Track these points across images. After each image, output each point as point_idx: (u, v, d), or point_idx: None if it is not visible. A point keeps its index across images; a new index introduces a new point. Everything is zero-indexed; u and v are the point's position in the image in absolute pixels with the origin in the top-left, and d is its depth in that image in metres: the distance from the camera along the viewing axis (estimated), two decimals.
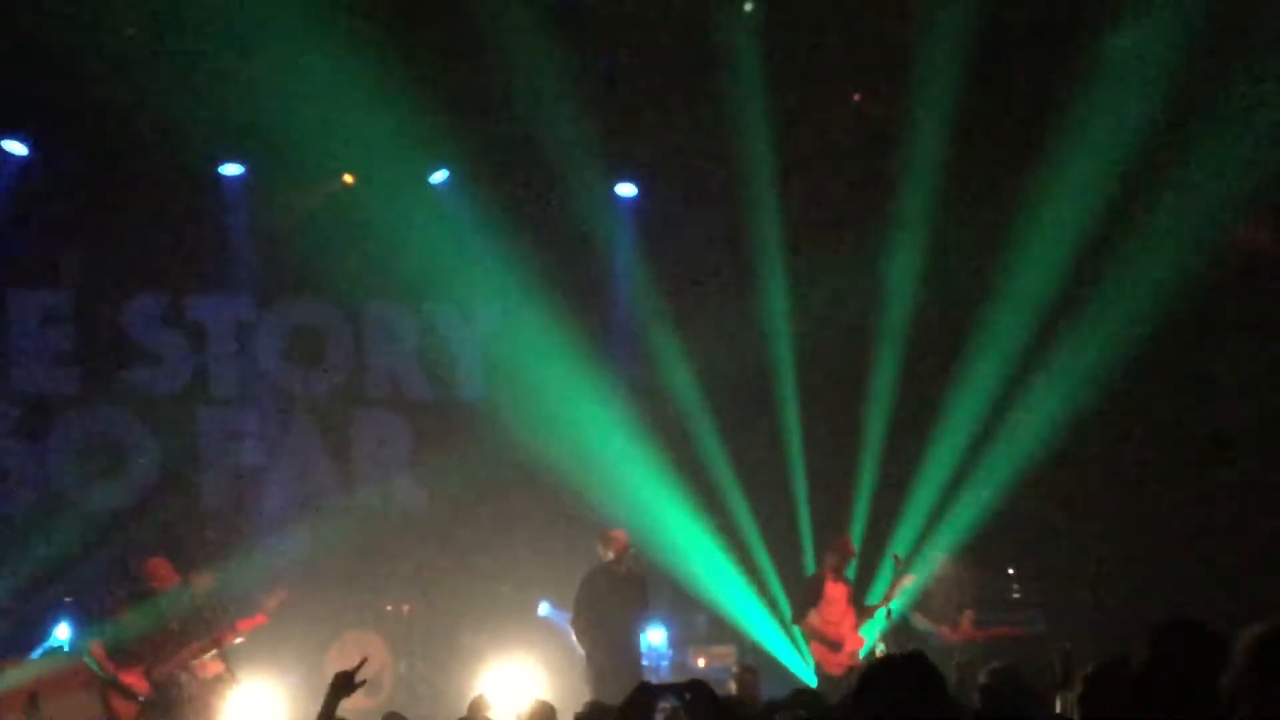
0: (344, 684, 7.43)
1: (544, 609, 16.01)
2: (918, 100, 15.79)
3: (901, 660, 4.79)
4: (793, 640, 15.96)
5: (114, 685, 12.32)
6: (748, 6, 15.29)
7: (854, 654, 14.03)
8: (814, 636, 14.24)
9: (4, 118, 15.00)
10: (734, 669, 13.50)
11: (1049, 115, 15.51)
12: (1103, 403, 16.03)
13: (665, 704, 6.24)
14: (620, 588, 13.72)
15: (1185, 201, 15.47)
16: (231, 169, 16.03)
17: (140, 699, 12.16)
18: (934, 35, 15.07)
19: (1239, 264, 15.91)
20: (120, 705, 12.29)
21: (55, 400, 15.71)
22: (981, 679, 7.42)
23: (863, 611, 14.37)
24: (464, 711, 9.81)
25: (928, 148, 15.91)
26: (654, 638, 15.69)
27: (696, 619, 16.47)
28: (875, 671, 4.84)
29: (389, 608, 15.96)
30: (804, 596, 14.47)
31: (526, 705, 9.52)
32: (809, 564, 16.06)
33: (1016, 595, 16.18)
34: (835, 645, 14.08)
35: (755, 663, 14.63)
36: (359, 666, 7.46)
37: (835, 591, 14.35)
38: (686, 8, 15.14)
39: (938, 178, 16.01)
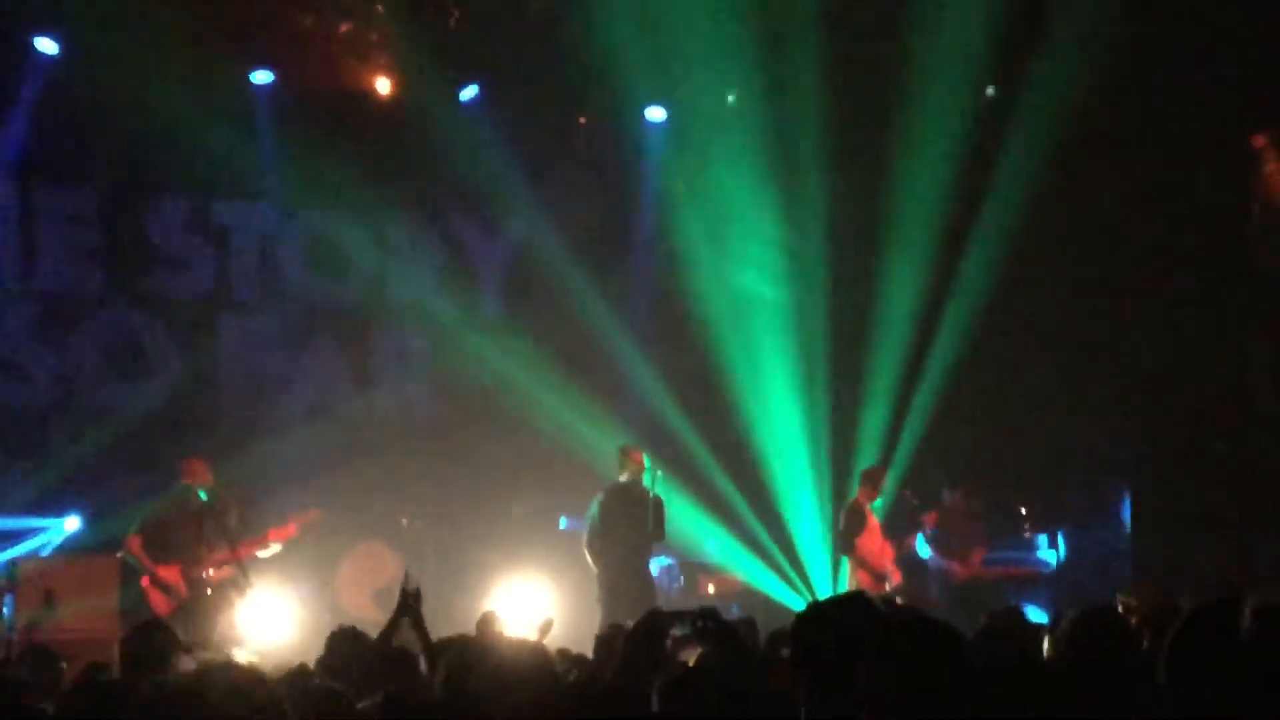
0: (411, 603, 7.41)
1: (563, 522, 16.07)
2: None
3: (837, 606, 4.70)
4: (799, 570, 16.09)
5: (154, 580, 12.42)
6: None
7: (896, 587, 14.01)
8: (862, 567, 14.17)
9: (36, 15, 14.94)
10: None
11: None
12: None
13: (677, 631, 6.27)
14: (636, 508, 13.65)
15: None
16: (261, 76, 15.97)
17: (177, 596, 12.26)
18: None
19: None
20: (158, 599, 12.39)
21: (78, 300, 15.76)
22: (982, 621, 7.37)
23: (900, 545, 14.40)
24: (473, 627, 9.84)
25: None
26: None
27: (706, 544, 16.46)
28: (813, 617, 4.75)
29: (403, 520, 16.04)
30: (849, 526, 14.37)
31: (536, 623, 9.61)
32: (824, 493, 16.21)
33: (1027, 534, 16.20)
34: (880, 577, 14.04)
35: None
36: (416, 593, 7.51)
37: (874, 522, 14.33)
38: None
39: None
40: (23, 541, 14.24)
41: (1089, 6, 15.16)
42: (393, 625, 7.47)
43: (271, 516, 13.37)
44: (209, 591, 12.47)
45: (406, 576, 7.64)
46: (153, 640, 7.32)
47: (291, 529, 13.14)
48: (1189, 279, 16.28)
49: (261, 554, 12.98)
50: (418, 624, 7.50)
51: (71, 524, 14.62)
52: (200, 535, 12.60)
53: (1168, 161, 15.84)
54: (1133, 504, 16.64)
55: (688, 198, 17.20)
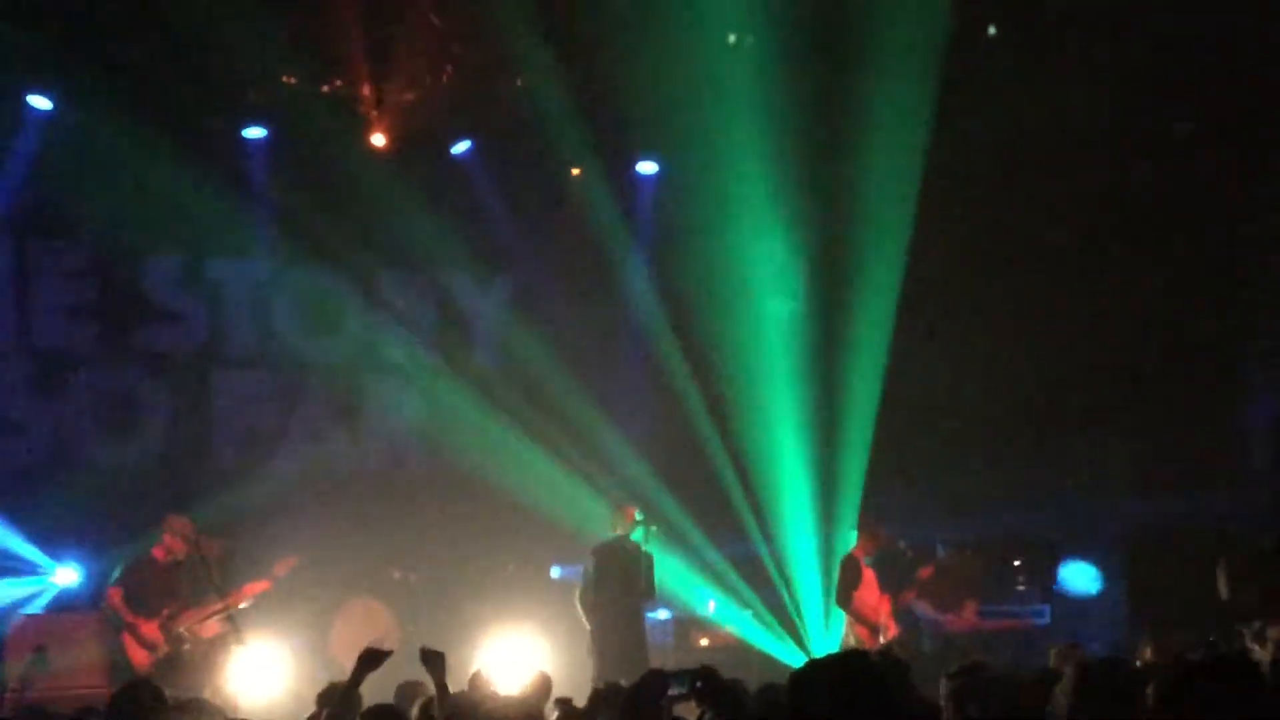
0: (372, 659, 7.61)
1: (556, 571, 16.06)
2: None
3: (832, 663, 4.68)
4: (794, 624, 16.04)
5: (133, 633, 12.38)
6: None
7: (891, 641, 13.90)
8: (858, 620, 14.10)
9: (30, 72, 14.97)
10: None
11: None
12: None
13: (674, 690, 6.25)
14: (629, 564, 13.66)
15: None
16: (255, 132, 16.01)
17: (157, 651, 12.22)
18: None
19: None
20: (137, 653, 12.35)
21: (71, 355, 15.74)
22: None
23: (896, 599, 14.33)
24: (465, 683, 9.78)
25: None
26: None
27: (700, 599, 16.43)
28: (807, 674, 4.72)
29: (396, 575, 16.00)
30: (847, 579, 14.23)
31: (528, 677, 9.57)
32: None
33: (1021, 587, 16.19)
34: (876, 630, 13.97)
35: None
36: (388, 651, 7.67)
37: (870, 576, 14.26)
38: None
39: None
40: (15, 590, 14.20)
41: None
42: (354, 683, 7.62)
43: (261, 569, 13.38)
44: (187, 647, 12.42)
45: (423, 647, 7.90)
46: (139, 698, 7.30)
47: (265, 584, 13.17)
48: (1186, 340, 16.34)
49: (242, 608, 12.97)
50: (439, 682, 7.77)
51: (68, 576, 14.55)
52: (179, 590, 12.60)
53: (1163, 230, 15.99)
54: (1128, 557, 16.64)
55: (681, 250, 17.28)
